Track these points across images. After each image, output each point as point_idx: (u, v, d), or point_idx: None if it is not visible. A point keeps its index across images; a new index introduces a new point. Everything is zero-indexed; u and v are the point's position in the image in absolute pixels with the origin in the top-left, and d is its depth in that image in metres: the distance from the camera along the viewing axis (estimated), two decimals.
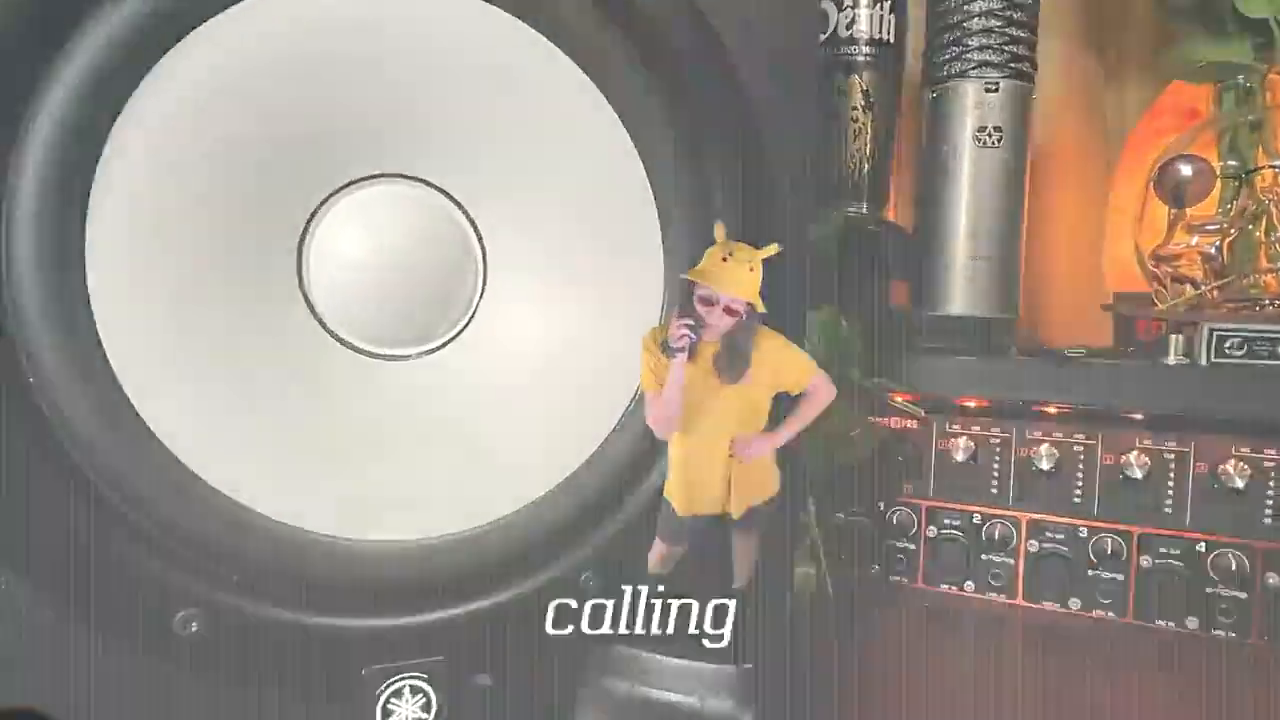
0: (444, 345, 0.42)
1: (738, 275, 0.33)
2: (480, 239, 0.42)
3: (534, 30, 0.38)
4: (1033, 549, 0.57)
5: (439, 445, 0.41)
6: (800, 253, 0.42)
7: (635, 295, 0.41)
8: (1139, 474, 0.53)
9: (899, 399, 0.60)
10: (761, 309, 0.34)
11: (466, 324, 0.42)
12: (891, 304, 0.68)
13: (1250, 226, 0.59)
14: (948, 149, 0.64)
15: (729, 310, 0.34)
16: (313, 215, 0.40)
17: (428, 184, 0.41)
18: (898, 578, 0.61)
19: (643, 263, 0.41)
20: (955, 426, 0.59)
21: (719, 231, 0.34)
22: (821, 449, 0.59)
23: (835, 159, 0.69)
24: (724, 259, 0.33)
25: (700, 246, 0.36)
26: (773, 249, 0.34)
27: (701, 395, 0.36)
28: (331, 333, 0.40)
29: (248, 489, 0.37)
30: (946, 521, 0.59)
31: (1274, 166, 0.59)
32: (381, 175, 0.40)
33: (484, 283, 0.42)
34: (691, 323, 0.34)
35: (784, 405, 0.37)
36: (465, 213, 0.41)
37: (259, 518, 0.37)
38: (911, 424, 0.60)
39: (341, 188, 0.39)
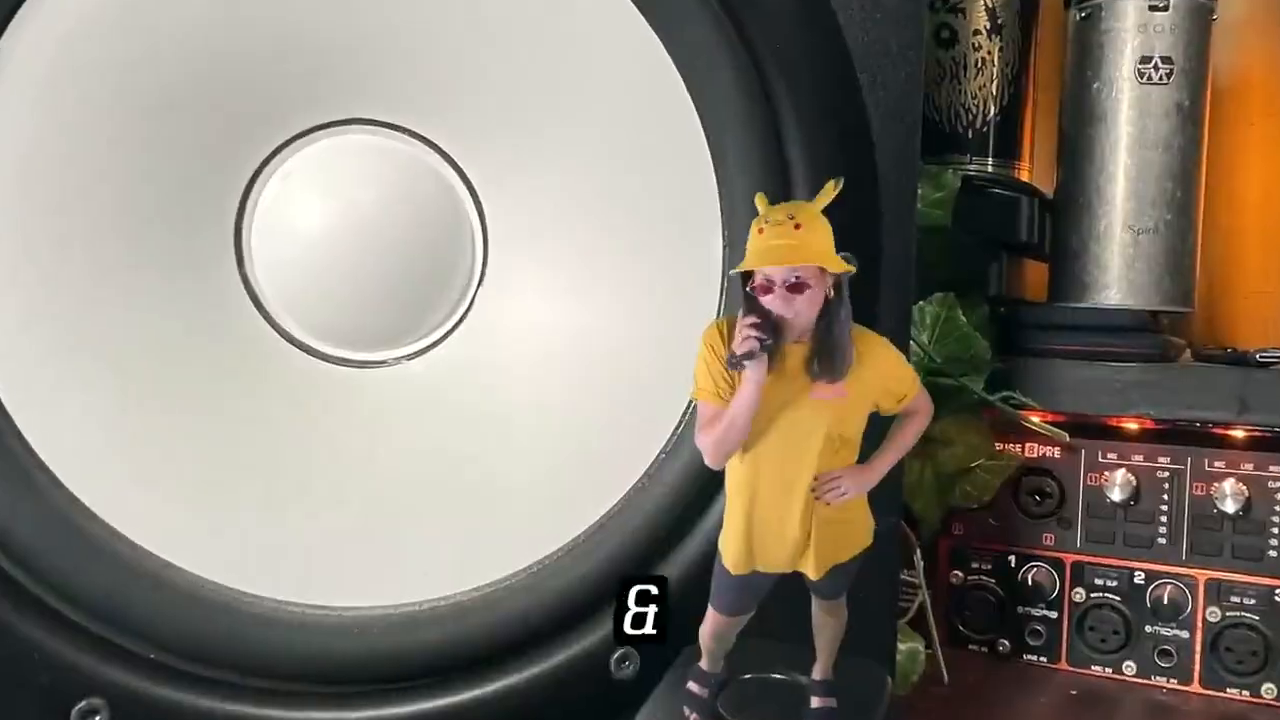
0: (429, 349, 0.42)
1: (783, 238, 0.32)
2: (478, 207, 0.41)
3: None
4: (1213, 618, 0.56)
5: (421, 483, 0.40)
6: (903, 225, 0.42)
7: (685, 285, 0.41)
8: None
9: (1035, 419, 0.59)
10: (842, 267, 0.33)
11: (459, 321, 0.42)
12: (1024, 293, 0.69)
13: None
14: (1100, 86, 0.63)
15: (794, 288, 0.32)
16: (254, 177, 0.39)
17: (408, 133, 0.41)
18: (1034, 657, 0.60)
19: (696, 241, 0.40)
20: (1110, 455, 0.58)
21: (759, 202, 0.34)
22: (931, 487, 0.59)
23: (949, 101, 0.68)
24: (760, 230, 0.33)
25: None
26: (828, 189, 0.33)
27: (777, 409, 0.34)
28: (281, 331, 0.40)
29: (168, 541, 0.37)
30: (1099, 582, 0.58)
31: None
32: (346, 122, 0.40)
33: (483, 266, 0.42)
34: (759, 321, 0.33)
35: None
36: (459, 172, 0.41)
37: (183, 576, 0.37)
38: (1052, 452, 0.60)
39: (292, 139, 0.39)
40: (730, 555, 0.36)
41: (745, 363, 0.33)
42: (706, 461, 0.35)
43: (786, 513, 0.35)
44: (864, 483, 0.36)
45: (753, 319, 0.33)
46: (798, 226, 0.33)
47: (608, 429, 0.42)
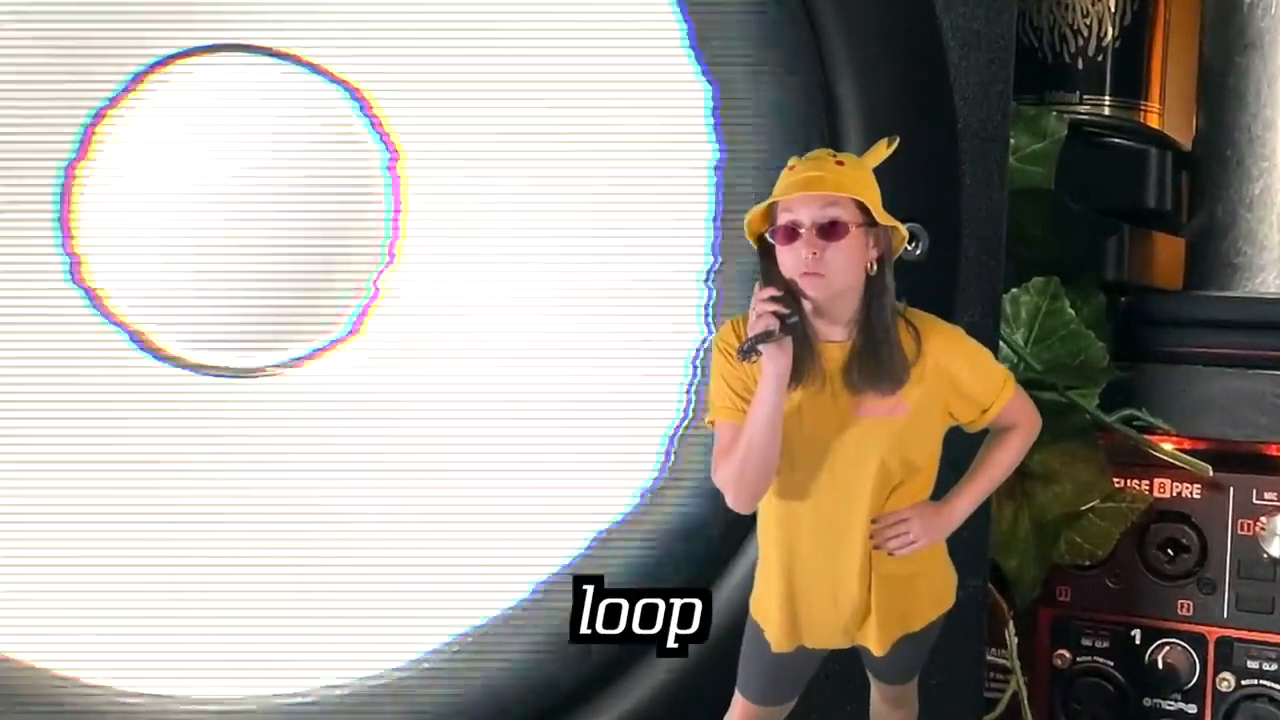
0: (321, 353, 0.42)
1: (820, 171, 0.33)
2: (390, 152, 0.41)
3: None
4: None
5: (308, 538, 0.41)
6: (989, 187, 0.43)
7: (676, 267, 0.41)
8: None
9: (1168, 447, 0.59)
10: (889, 221, 0.34)
11: (361, 317, 0.42)
12: (1152, 279, 0.67)
13: None
14: (1252, 3, 0.64)
15: (827, 231, 0.33)
16: (89, 125, 0.40)
17: (298, 61, 0.41)
18: None
19: (692, 210, 0.41)
20: (1268, 495, 0.58)
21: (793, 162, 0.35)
22: (1029, 538, 0.58)
23: (1053, 21, 0.68)
24: (791, 168, 0.34)
25: None
26: (880, 149, 0.35)
27: (818, 431, 0.35)
28: (124, 329, 0.40)
29: None
30: (1253, 665, 0.58)
31: None
32: (214, 49, 0.40)
33: (394, 241, 0.42)
34: (778, 292, 0.33)
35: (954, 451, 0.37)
36: (360, 104, 0.42)
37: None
38: (1191, 491, 0.59)
39: (138, 73, 0.40)
40: (775, 627, 0.37)
41: (761, 348, 0.33)
42: (730, 503, 0.35)
43: (838, 568, 0.36)
44: (938, 526, 0.36)
45: (770, 291, 0.33)
46: (840, 163, 0.33)
47: (568, 462, 0.42)
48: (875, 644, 0.37)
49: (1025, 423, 0.37)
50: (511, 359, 0.42)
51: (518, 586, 0.42)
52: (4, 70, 0.39)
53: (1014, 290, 0.59)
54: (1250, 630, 0.59)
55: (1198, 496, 0.59)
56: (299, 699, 0.40)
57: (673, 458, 0.42)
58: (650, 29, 0.41)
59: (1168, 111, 0.71)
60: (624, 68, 0.41)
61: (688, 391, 0.41)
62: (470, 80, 0.42)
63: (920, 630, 0.37)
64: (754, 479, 0.34)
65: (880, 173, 0.35)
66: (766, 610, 0.37)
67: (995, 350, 0.42)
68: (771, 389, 0.33)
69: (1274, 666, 0.59)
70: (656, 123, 0.41)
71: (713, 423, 0.36)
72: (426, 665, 0.41)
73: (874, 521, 0.36)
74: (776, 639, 0.37)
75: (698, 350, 0.41)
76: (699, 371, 0.41)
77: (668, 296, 0.42)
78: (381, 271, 0.42)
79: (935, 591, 0.38)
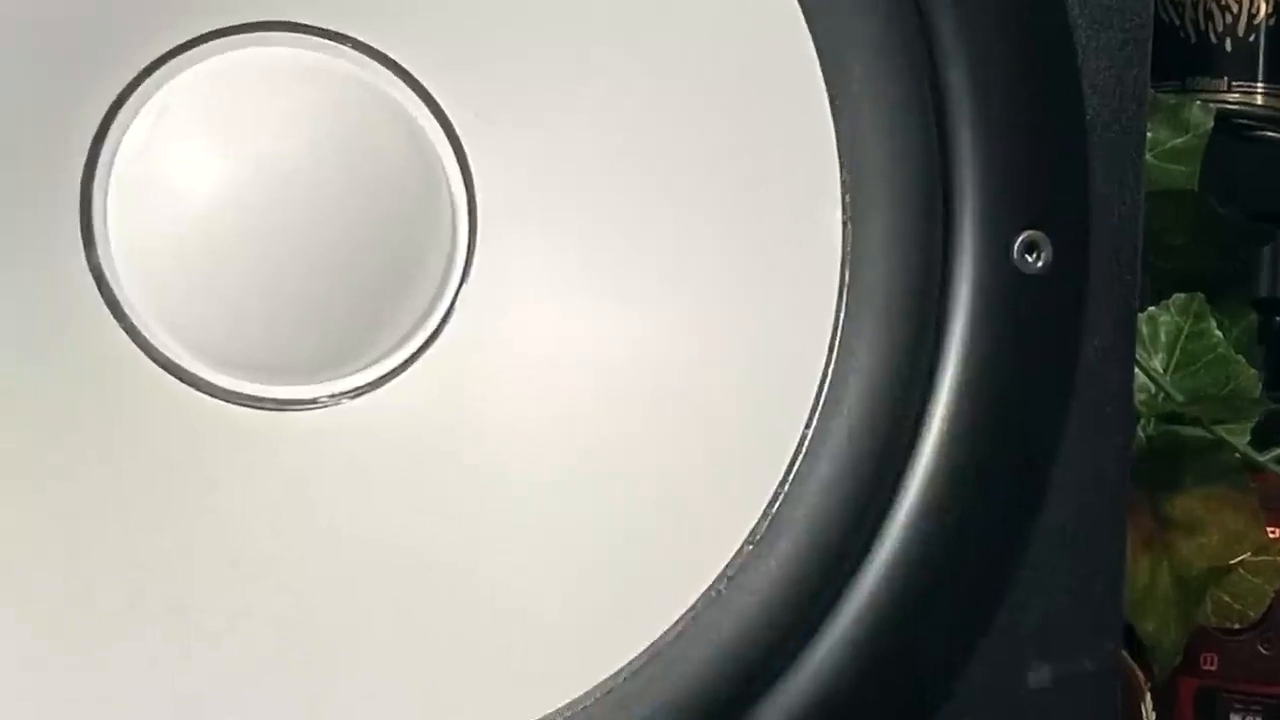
0: (382, 382, 0.41)
1: None
2: (462, 161, 0.41)
3: None
4: None
5: (366, 592, 0.40)
6: (1123, 188, 0.43)
7: (784, 282, 0.40)
8: None
9: None
10: None
11: (429, 340, 0.41)
12: None
13: None
14: None
15: None
16: (111, 113, 0.39)
17: (355, 45, 0.40)
18: None
19: (800, 214, 0.40)
20: None
21: None
22: (1169, 596, 0.57)
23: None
24: None
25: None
26: None
27: None
28: (152, 353, 0.39)
29: None
30: None
31: None
32: (258, 26, 0.39)
33: (467, 255, 0.41)
34: None
35: None
36: (432, 106, 0.41)
37: None
38: None
39: (170, 54, 0.39)
40: None
41: None
42: None
43: None
44: None
45: None
46: None
47: (663, 506, 0.41)
48: None
49: None
50: (595, 382, 0.43)
51: (620, 654, 0.40)
52: (30, 46, 0.38)
53: (1151, 309, 0.59)
54: None
55: None
56: None
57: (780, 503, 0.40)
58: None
59: None
60: (719, 69, 0.41)
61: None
62: (555, 75, 0.41)
63: None
64: None
65: (995, 172, 0.36)
66: None
67: (1129, 376, 0.42)
68: None
69: None
70: (764, 117, 0.41)
71: None
72: None
73: None
74: None
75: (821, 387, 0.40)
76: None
77: (779, 305, 0.41)
78: (452, 289, 0.42)
79: None
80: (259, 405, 0.41)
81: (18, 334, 0.39)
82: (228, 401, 0.41)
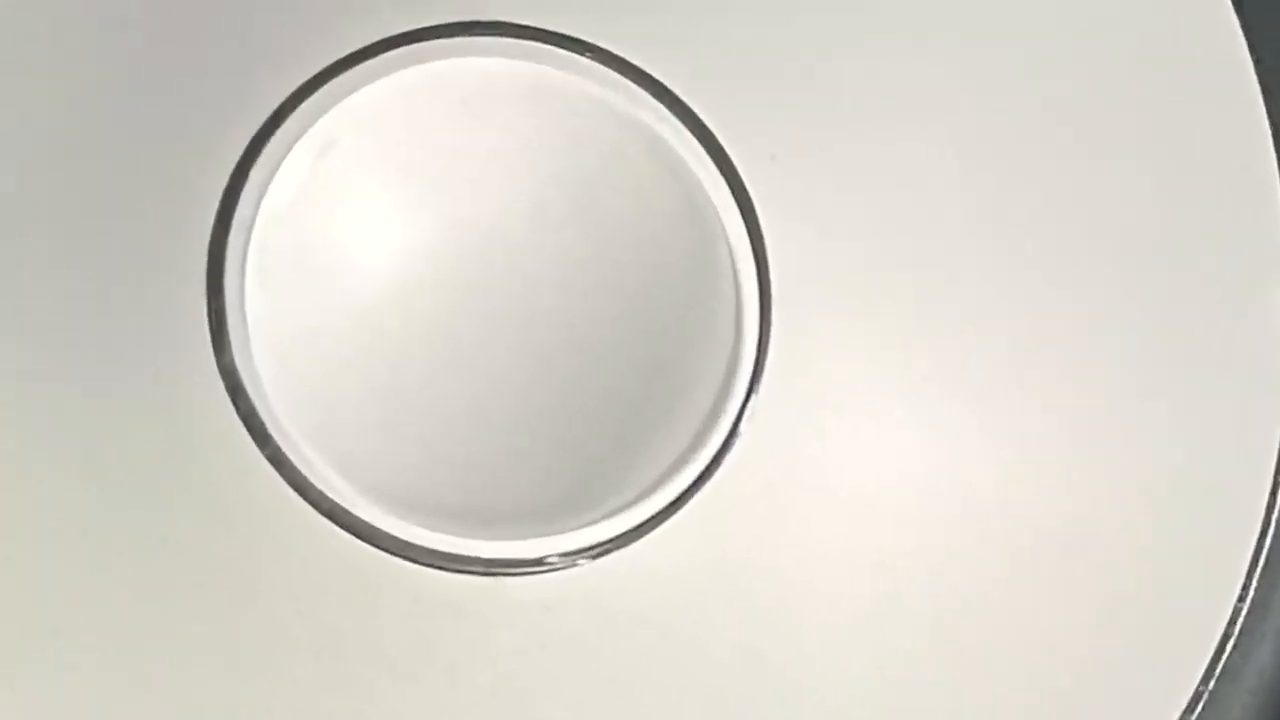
0: (634, 536, 0.35)
1: None
2: (753, 230, 0.35)
3: None
4: None
5: None
6: None
7: (1236, 415, 0.36)
8: None
9: None
10: None
11: (700, 477, 0.35)
12: None
13: None
14: None
15: None
16: (252, 152, 0.33)
17: (603, 58, 0.34)
18: None
19: (1255, 323, 0.37)
20: None
21: None
22: None
23: None
24: None
25: None
26: None
27: None
28: (311, 494, 0.34)
29: None
30: None
31: None
32: (464, 28, 0.34)
33: (757, 362, 0.35)
34: None
35: None
36: (715, 153, 0.34)
37: None
38: None
39: (334, 67, 0.34)
40: None
41: None
42: None
43: None
44: None
45: None
46: None
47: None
48: None
49: None
50: (948, 541, 0.37)
51: None
52: (147, 67, 0.34)
53: None
54: None
55: None
56: None
57: None
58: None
59: None
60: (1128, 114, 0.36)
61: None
62: (902, 119, 0.36)
63: None
64: None
65: None
66: None
67: None
68: None
69: None
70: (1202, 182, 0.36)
71: None
72: None
73: None
74: None
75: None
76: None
77: (1208, 466, 0.36)
78: (734, 408, 0.35)
79: None
80: (462, 567, 0.34)
81: (120, 467, 0.34)
82: (416, 562, 0.34)
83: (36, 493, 0.33)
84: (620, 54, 0.34)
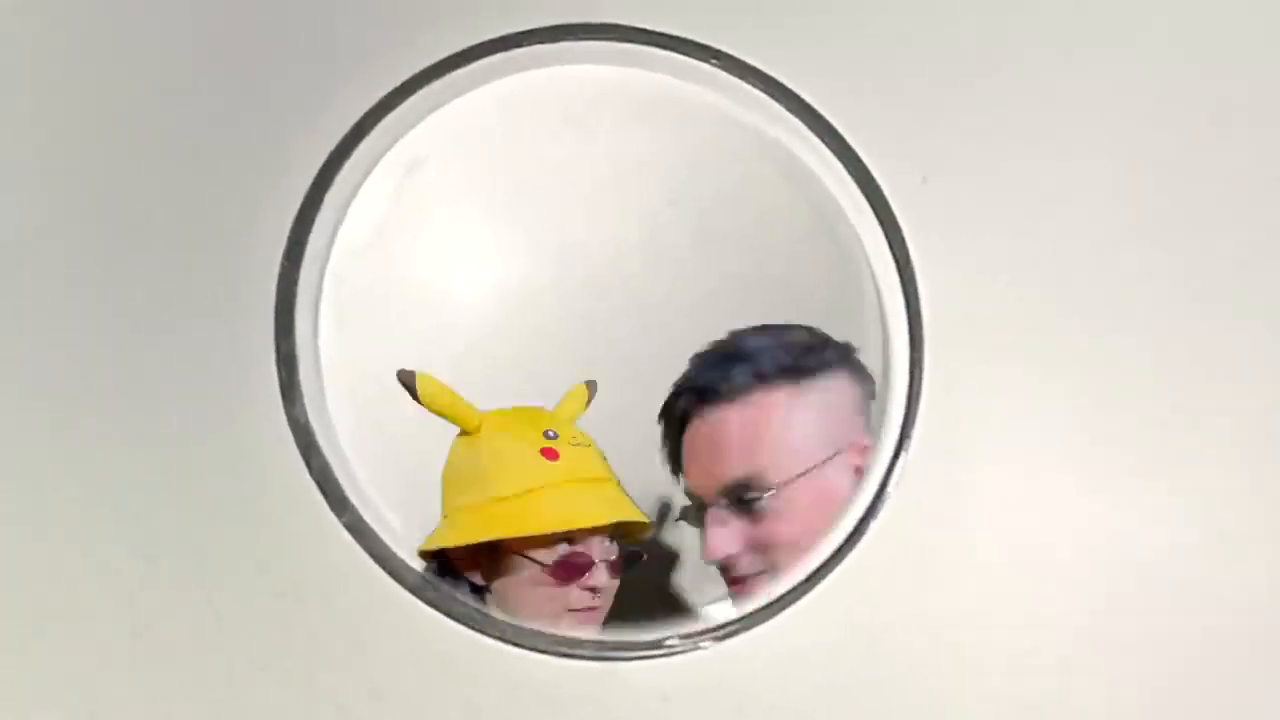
0: (772, 611, 0.33)
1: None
2: (902, 263, 0.32)
3: None
4: None
5: None
6: None
7: None
8: None
9: None
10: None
11: (849, 541, 0.33)
12: None
13: None
14: None
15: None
16: (329, 171, 0.31)
17: (724, 64, 0.33)
18: None
19: None
20: None
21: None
22: None
23: None
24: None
25: None
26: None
27: None
28: (392, 564, 0.32)
29: None
30: None
31: None
32: (578, 30, 0.33)
33: (909, 408, 0.33)
34: None
35: None
36: (856, 170, 0.32)
37: None
38: None
39: (430, 71, 0.32)
40: None
41: None
42: None
43: None
44: None
45: None
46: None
47: None
48: None
49: None
50: (1125, 607, 0.34)
51: None
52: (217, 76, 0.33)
53: None
54: None
55: None
56: None
57: None
58: None
59: None
60: None
61: None
62: (1068, 139, 0.34)
63: None
64: None
65: None
66: None
67: None
68: None
69: None
70: None
71: None
72: None
73: None
74: None
75: None
76: None
77: None
78: (892, 459, 0.32)
79: None
80: (570, 651, 0.32)
81: (178, 535, 0.31)
82: (519, 646, 0.32)
83: (92, 564, 0.30)
84: (750, 61, 0.31)
